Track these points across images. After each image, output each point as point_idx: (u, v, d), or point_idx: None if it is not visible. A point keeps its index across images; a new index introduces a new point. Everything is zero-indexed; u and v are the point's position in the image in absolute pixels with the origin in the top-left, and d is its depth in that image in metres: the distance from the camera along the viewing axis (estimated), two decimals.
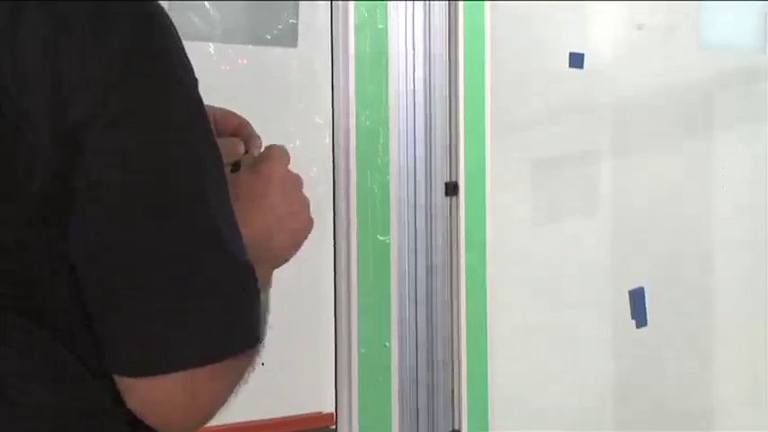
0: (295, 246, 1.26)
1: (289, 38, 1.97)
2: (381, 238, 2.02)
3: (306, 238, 1.25)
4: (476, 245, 2.06)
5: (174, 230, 1.01)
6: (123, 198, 1.00)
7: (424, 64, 2.03)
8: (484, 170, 2.06)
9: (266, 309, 1.17)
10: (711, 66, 2.35)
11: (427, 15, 2.02)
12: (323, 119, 1.97)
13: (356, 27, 1.97)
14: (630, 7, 2.25)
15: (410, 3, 2.01)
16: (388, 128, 2.00)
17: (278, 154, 1.24)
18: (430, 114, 2.04)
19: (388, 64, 2.00)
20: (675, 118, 2.32)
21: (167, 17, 1.04)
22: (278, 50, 1.94)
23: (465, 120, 2.02)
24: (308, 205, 1.26)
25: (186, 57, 1.04)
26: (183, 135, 1.03)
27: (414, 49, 2.02)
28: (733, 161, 2.38)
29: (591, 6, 2.22)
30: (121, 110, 0.99)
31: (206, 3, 1.94)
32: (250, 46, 1.94)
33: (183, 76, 1.03)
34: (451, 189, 2.05)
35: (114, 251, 1.00)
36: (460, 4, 2.00)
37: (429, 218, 2.05)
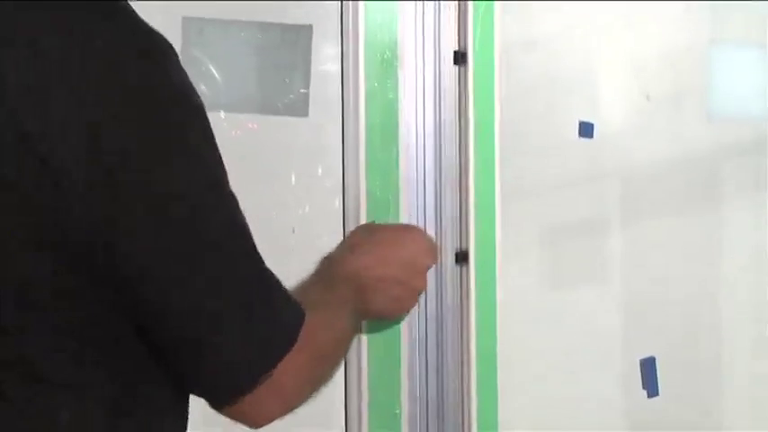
0: (386, 314, 1.31)
1: (300, 107, 1.99)
2: None
3: (398, 315, 1.30)
4: (486, 313, 2.06)
5: (226, 259, 1.06)
6: (174, 237, 1.02)
7: (435, 133, 2.04)
8: (494, 238, 2.06)
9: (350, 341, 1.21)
10: (719, 136, 2.36)
11: (437, 83, 2.03)
12: (333, 184, 1.98)
13: (367, 97, 1.99)
14: (639, 77, 2.27)
15: (420, 72, 2.03)
16: (398, 196, 2.01)
17: (419, 231, 1.28)
18: (440, 182, 2.05)
19: (399, 132, 2.01)
20: (684, 187, 2.33)
21: (174, 51, 1.06)
22: (289, 118, 1.96)
23: (475, 187, 2.02)
24: (424, 286, 1.30)
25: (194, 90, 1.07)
26: (204, 162, 1.05)
27: (424, 118, 2.03)
28: (741, 230, 2.39)
29: (600, 76, 2.24)
30: (150, 151, 1.01)
31: (216, 73, 1.97)
32: (261, 115, 1.97)
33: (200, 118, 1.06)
34: (461, 257, 2.05)
35: (188, 294, 1.02)
36: (470, 71, 2.02)
37: (439, 286, 2.05)
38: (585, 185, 2.23)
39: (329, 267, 1.30)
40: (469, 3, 2.02)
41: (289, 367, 1.09)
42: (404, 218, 2.02)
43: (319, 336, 1.14)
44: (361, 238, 1.37)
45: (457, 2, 2.03)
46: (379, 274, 1.30)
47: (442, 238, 2.06)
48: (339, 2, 1.99)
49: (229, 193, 1.10)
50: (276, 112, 1.95)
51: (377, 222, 1.37)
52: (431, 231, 2.04)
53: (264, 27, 2.00)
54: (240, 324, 1.06)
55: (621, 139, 2.25)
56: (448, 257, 2.06)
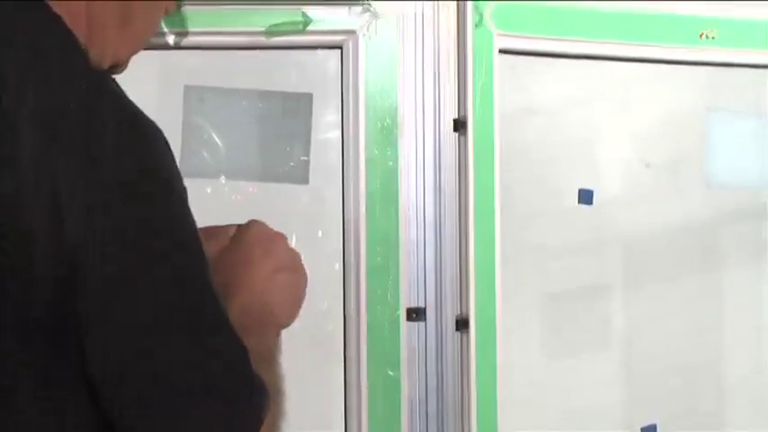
0: (296, 302, 1.27)
1: (301, 175, 2.00)
2: (391, 374, 2.02)
3: (304, 290, 1.25)
4: (486, 379, 2.05)
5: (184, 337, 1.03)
6: (134, 314, 1.01)
7: (435, 199, 2.05)
8: (494, 304, 2.06)
9: (280, 377, 1.18)
10: (717, 203, 2.36)
11: (437, 150, 2.04)
12: (333, 248, 1.99)
13: (367, 163, 2.00)
14: (638, 145, 2.28)
15: (420, 139, 2.04)
16: (398, 262, 2.02)
17: (253, 222, 1.25)
18: (440, 249, 2.05)
19: (399, 199, 2.02)
20: (684, 254, 2.33)
21: (155, 128, 1.06)
22: (290, 185, 1.97)
23: (475, 254, 2.02)
24: (299, 257, 1.26)
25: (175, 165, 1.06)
26: (182, 249, 1.04)
27: (424, 185, 2.04)
28: (741, 297, 2.38)
29: (599, 143, 2.25)
30: (117, 230, 1.00)
31: (217, 140, 1.98)
32: (261, 183, 1.98)
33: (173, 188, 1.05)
34: (462, 324, 2.05)
35: (139, 364, 1.01)
36: (470, 139, 2.03)
37: (439, 352, 2.05)
38: (586, 252, 2.23)
39: None
40: (469, 71, 2.03)
41: None
42: (404, 284, 2.02)
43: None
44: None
45: (456, 69, 2.04)
46: (263, 299, 1.27)
47: (442, 304, 2.05)
48: (339, 70, 2.01)
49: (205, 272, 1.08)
50: (277, 180, 1.96)
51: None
52: (431, 298, 2.04)
53: (265, 95, 2.01)
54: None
55: (621, 206, 2.26)
56: (448, 324, 2.06)
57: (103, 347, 1.00)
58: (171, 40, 1.87)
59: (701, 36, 2.29)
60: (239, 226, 1.30)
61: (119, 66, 1.25)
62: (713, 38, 2.30)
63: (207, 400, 1.03)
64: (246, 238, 1.29)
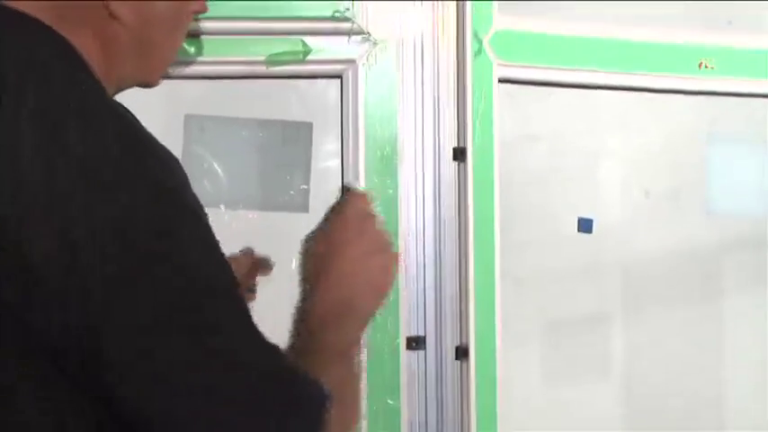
0: (384, 287, 1.25)
1: (301, 203, 2.00)
2: (391, 402, 2.01)
3: (395, 274, 1.23)
4: (487, 408, 2.05)
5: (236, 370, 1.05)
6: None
7: (434, 228, 2.05)
8: (494, 333, 2.06)
9: (354, 375, 1.18)
10: (718, 232, 2.37)
11: (437, 179, 2.05)
12: None
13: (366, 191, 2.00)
14: (638, 173, 2.28)
15: (420, 167, 2.04)
16: (398, 290, 2.01)
17: (352, 197, 1.24)
18: (440, 277, 2.05)
19: (399, 227, 2.02)
20: (684, 282, 2.33)
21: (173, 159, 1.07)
22: (290, 214, 1.97)
23: (475, 282, 2.02)
24: (390, 239, 1.25)
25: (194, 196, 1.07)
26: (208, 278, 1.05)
27: (424, 214, 2.04)
28: (742, 326, 2.38)
29: (599, 171, 2.25)
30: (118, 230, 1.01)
31: (218, 169, 1.98)
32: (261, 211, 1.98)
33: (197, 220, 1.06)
34: (462, 352, 2.05)
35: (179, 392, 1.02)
36: (470, 167, 2.03)
37: (439, 382, 2.04)
38: (586, 280, 2.23)
39: (303, 333, 1.26)
40: (469, 100, 2.04)
41: None
42: (403, 313, 2.02)
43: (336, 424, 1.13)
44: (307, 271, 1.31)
45: (455, 98, 2.05)
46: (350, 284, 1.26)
47: (442, 333, 2.05)
48: (339, 99, 2.02)
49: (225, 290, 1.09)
50: (277, 208, 1.97)
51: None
52: (430, 326, 2.04)
53: (265, 124, 2.02)
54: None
55: (621, 234, 2.26)
56: (448, 353, 2.05)
57: (107, 349, 1.00)
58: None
59: (700, 65, 2.30)
60: (339, 200, 1.29)
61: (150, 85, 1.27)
62: (712, 67, 2.31)
63: (210, 400, 1.03)
64: (342, 216, 1.27)
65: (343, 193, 1.30)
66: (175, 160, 1.10)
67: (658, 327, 2.29)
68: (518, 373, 2.15)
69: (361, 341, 1.25)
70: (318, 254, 1.25)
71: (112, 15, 1.18)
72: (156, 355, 1.01)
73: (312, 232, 1.26)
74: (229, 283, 1.09)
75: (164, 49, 1.27)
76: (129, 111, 1.14)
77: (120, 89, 1.24)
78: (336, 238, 1.25)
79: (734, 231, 2.40)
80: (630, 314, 2.28)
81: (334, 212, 1.27)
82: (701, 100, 2.33)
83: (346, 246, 1.24)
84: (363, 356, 1.23)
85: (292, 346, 1.19)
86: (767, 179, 2.42)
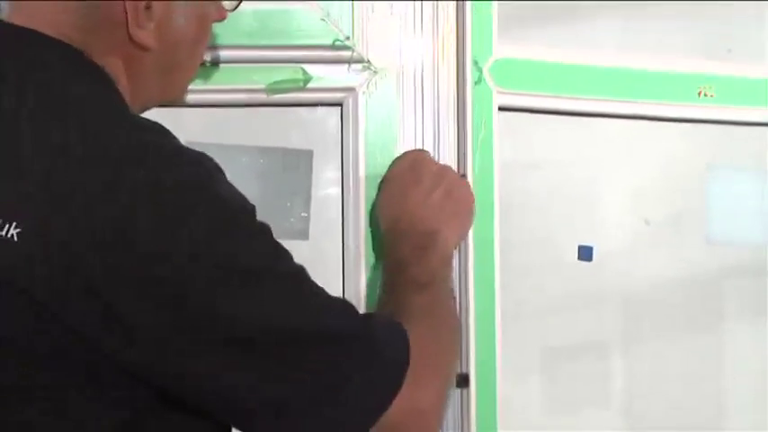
0: (463, 216, 1.34)
1: (301, 231, 2.00)
2: None
3: (471, 201, 1.30)
4: None
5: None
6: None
7: None
8: (494, 361, 2.05)
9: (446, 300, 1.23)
10: (718, 260, 2.37)
11: None
12: None
13: (367, 220, 2.00)
14: (638, 201, 2.29)
15: None
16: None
17: (405, 153, 1.27)
18: None
19: None
20: (684, 311, 2.33)
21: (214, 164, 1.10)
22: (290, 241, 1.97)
23: (475, 310, 2.02)
24: (451, 172, 1.34)
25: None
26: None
27: None
28: (742, 355, 2.38)
29: (599, 199, 2.25)
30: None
31: None
32: None
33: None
34: (462, 381, 2.04)
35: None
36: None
37: None
38: (586, 308, 2.23)
39: (395, 266, 1.31)
40: (469, 128, 2.04)
41: (417, 391, 1.12)
42: None
43: (428, 345, 1.18)
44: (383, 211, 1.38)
45: (456, 126, 2.05)
46: (422, 212, 1.33)
47: None
48: (339, 127, 2.02)
49: (294, 275, 1.12)
50: (277, 235, 1.95)
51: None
52: None
53: (265, 152, 2.02)
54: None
55: (621, 262, 2.26)
56: None
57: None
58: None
59: (699, 93, 2.30)
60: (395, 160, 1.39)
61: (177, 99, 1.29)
62: (712, 95, 2.31)
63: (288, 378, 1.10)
64: (396, 170, 1.35)
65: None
66: (204, 157, 1.12)
67: (659, 355, 2.29)
68: (519, 400, 2.15)
69: (448, 269, 1.33)
70: (385, 202, 1.35)
71: (137, 45, 1.20)
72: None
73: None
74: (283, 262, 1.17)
75: (187, 66, 1.30)
76: (166, 131, 1.15)
77: (145, 108, 1.26)
78: (396, 191, 1.34)
79: (734, 259, 2.40)
80: (631, 342, 2.28)
81: (389, 172, 1.38)
82: (700, 128, 2.34)
83: (406, 195, 1.33)
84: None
85: (382, 284, 1.26)
86: (767, 207, 2.42)
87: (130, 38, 1.20)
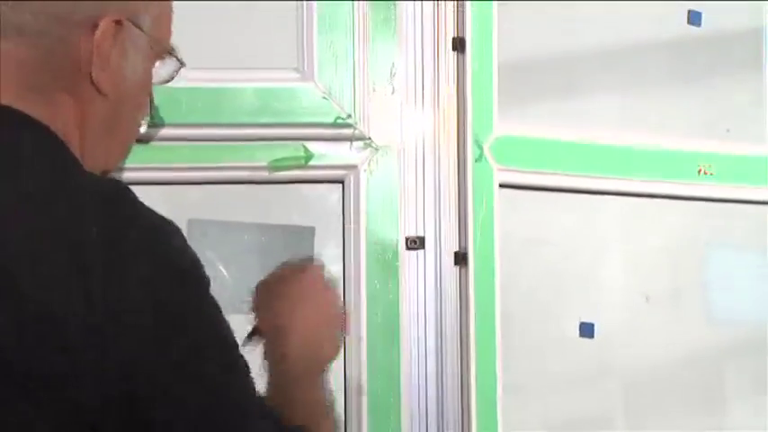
0: (338, 333, 1.33)
1: None
2: None
3: (345, 319, 1.31)
4: None
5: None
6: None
7: (436, 333, 2.05)
8: None
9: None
10: (718, 337, 2.36)
11: (438, 284, 2.05)
12: (335, 382, 1.97)
13: (368, 297, 2.01)
14: (638, 279, 2.29)
15: (421, 272, 2.04)
16: (399, 395, 2.01)
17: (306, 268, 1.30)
18: (442, 382, 2.04)
19: (400, 333, 2.02)
20: (685, 388, 2.32)
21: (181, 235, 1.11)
22: None
23: (476, 387, 2.02)
24: (335, 291, 1.33)
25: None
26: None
27: (425, 319, 2.04)
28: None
29: (599, 276, 2.25)
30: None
31: (221, 274, 1.98)
32: None
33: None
34: None
35: None
36: (471, 271, 2.04)
37: None
38: (587, 385, 2.22)
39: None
40: (470, 205, 2.05)
41: None
42: (405, 418, 2.01)
43: None
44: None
45: (457, 203, 2.06)
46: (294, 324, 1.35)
47: None
48: (341, 204, 2.03)
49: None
50: None
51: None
52: (432, 429, 2.03)
53: (267, 229, 2.02)
54: None
55: (622, 340, 2.26)
56: None
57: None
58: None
59: (699, 171, 2.31)
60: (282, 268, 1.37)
61: (107, 174, 1.28)
62: (711, 173, 2.32)
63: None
64: (278, 286, 1.34)
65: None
66: (169, 224, 1.12)
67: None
68: None
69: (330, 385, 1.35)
70: (275, 314, 1.35)
71: (94, 83, 1.20)
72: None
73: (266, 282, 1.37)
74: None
75: (130, 129, 1.30)
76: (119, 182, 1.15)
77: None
78: (285, 304, 1.34)
79: (734, 338, 2.40)
80: (632, 421, 2.27)
81: (277, 282, 1.38)
82: (700, 206, 2.35)
83: (294, 310, 1.33)
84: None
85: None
86: (766, 286, 2.42)
87: (91, 80, 1.19)
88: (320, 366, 1.37)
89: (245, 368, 1.16)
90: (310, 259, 1.47)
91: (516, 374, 2.12)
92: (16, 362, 1.00)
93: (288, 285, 1.40)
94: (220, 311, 1.14)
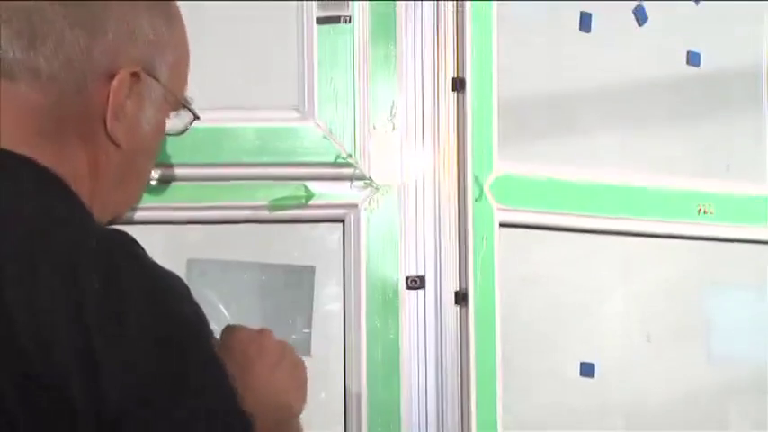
0: (302, 386, 1.31)
1: (303, 347, 2.00)
2: None
3: (305, 373, 1.30)
4: None
5: None
6: None
7: (436, 372, 2.04)
8: None
9: None
10: (719, 377, 2.36)
11: (439, 322, 2.05)
12: (336, 410, 1.97)
13: (368, 336, 2.00)
14: (639, 318, 2.28)
15: (422, 311, 2.04)
16: None
17: (232, 328, 1.30)
18: (442, 422, 2.04)
19: (400, 372, 2.01)
20: (687, 427, 2.31)
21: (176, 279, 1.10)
22: None
23: (477, 427, 2.01)
24: (288, 344, 1.32)
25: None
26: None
27: (426, 358, 2.04)
28: None
29: (600, 315, 2.25)
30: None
31: (221, 313, 1.98)
32: None
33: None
34: None
35: None
36: (471, 311, 2.04)
37: None
38: (588, 424, 2.22)
39: None
40: (470, 245, 2.05)
41: None
42: None
43: None
44: None
45: (457, 243, 2.06)
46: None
47: None
48: (341, 243, 2.03)
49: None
50: None
51: None
52: None
53: (267, 268, 2.02)
54: None
55: (623, 379, 2.25)
56: None
57: None
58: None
59: (699, 211, 2.32)
60: (221, 336, 1.34)
61: (116, 221, 1.28)
62: (711, 212, 2.32)
63: None
64: (234, 344, 1.32)
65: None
66: (174, 278, 1.12)
67: None
68: None
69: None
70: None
71: (108, 133, 1.19)
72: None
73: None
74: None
75: (141, 178, 1.30)
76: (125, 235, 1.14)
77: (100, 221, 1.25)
78: (238, 366, 1.30)
79: (735, 377, 2.39)
80: None
81: (224, 348, 1.34)
82: (700, 245, 2.35)
83: (252, 368, 1.31)
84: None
85: None
86: (767, 325, 2.42)
87: (105, 130, 1.18)
88: (291, 414, 1.36)
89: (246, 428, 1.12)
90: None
91: (517, 414, 2.11)
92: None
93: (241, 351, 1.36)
94: (221, 366, 1.12)
